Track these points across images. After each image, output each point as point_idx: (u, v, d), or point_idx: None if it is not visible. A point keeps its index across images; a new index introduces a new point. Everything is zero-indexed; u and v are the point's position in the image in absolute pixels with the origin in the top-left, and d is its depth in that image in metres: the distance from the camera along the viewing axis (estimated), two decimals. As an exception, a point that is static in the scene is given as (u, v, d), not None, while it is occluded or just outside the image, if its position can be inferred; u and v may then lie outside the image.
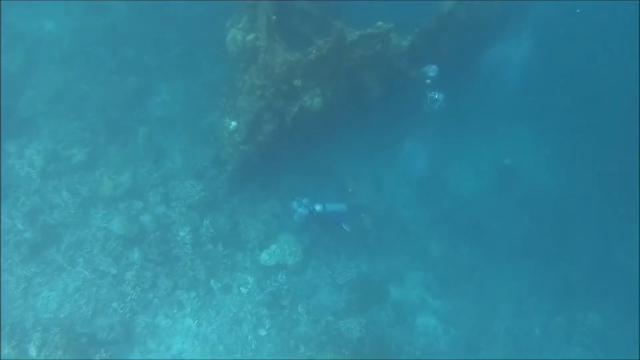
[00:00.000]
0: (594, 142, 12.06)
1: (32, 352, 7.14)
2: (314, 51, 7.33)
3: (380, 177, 10.56)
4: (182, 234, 8.61)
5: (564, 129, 12.35)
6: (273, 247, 8.83)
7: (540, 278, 10.20)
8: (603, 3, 11.60)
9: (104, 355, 7.32)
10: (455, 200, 10.70)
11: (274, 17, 7.54)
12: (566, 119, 12.33)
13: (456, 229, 10.23)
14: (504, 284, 10.03)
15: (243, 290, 8.50)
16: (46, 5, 10.96)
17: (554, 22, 10.80)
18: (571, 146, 12.18)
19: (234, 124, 8.15)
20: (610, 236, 11.08)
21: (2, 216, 8.17)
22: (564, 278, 10.29)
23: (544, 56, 11.10)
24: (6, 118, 9.00)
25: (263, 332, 8.18)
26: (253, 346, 7.99)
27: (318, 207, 8.21)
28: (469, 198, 10.81)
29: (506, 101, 11.57)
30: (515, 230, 10.61)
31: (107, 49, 10.70)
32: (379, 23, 7.48)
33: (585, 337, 9.62)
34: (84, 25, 10.93)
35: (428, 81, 8.50)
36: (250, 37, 7.76)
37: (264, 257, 8.75)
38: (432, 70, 8.41)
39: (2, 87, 9.22)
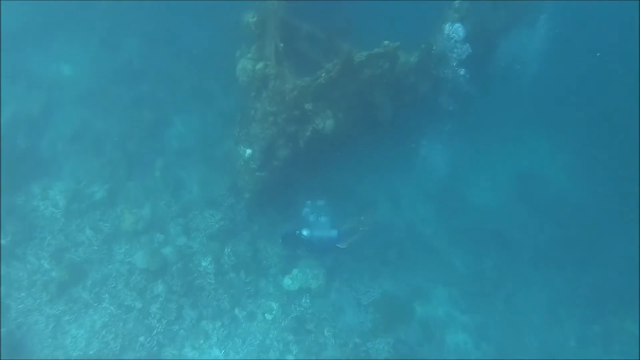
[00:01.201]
0: (618, 144, 11.77)
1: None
2: (323, 74, 7.40)
3: (398, 193, 10.49)
4: (204, 264, 8.66)
5: (585, 132, 12.11)
6: (295, 271, 8.80)
7: (570, 286, 9.90)
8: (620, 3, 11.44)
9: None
10: (474, 212, 10.53)
11: (282, 45, 7.67)
12: (587, 122, 12.09)
13: (478, 241, 10.04)
14: (533, 294, 9.77)
15: (268, 316, 8.46)
16: (62, 47, 11.38)
17: (567, 23, 10.63)
18: (594, 149, 11.91)
19: (248, 151, 8.23)
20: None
21: (29, 257, 8.34)
22: (594, 284, 9.96)
23: (559, 59, 10.97)
24: (30, 160, 9.28)
25: (291, 358, 8.10)
26: (281, 373, 7.92)
27: (305, 232, 7.97)
28: (488, 208, 10.63)
29: (522, 106, 11.45)
30: (540, 238, 10.37)
31: (122, 86, 11.01)
32: (386, 42, 7.49)
33: (625, 346, 9.23)
34: (98, 63, 11.31)
35: (454, 40, 7.26)
36: (260, 65, 7.88)
37: (287, 282, 8.72)
38: (456, 29, 7.30)
39: (24, 130, 9.54)
